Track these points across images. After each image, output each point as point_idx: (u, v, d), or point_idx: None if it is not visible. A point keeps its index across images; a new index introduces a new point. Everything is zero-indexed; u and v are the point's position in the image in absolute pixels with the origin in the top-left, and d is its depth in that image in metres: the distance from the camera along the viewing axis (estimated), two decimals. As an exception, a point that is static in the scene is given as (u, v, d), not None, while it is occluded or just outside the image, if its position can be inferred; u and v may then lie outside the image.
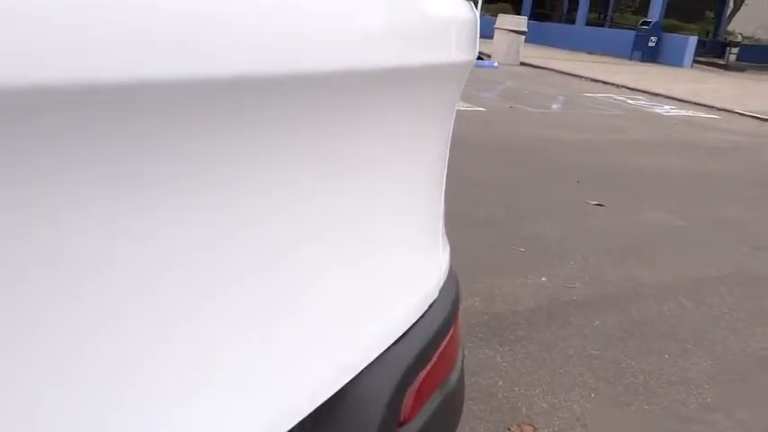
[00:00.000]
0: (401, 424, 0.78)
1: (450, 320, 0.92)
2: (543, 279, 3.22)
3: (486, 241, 3.64)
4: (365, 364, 0.74)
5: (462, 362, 1.00)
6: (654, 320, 2.91)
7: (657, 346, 2.67)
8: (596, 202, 4.61)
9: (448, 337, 0.90)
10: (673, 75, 16.64)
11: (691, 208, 4.81)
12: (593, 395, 2.29)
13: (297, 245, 0.65)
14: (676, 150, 7.11)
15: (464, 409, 2.17)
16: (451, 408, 0.92)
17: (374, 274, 0.78)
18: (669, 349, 2.66)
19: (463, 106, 8.08)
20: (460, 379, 0.95)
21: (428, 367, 0.84)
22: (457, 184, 4.73)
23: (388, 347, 0.77)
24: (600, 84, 13.23)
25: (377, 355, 0.75)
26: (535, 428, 2.10)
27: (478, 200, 4.33)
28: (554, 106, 9.48)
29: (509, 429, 2.08)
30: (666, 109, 10.73)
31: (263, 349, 0.62)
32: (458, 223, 3.79)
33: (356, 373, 0.73)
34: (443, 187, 0.97)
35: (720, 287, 3.37)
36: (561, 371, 2.43)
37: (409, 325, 0.82)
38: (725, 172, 6.29)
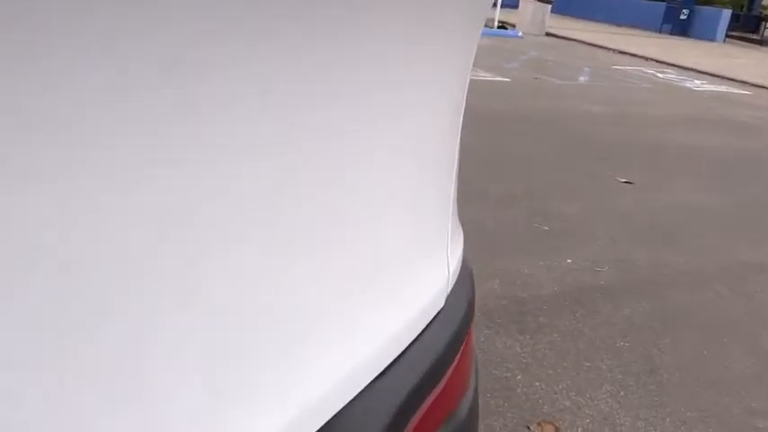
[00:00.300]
0: None
1: (459, 337, 0.69)
2: (568, 261, 2.99)
3: (507, 219, 3.40)
4: (336, 407, 0.52)
5: (476, 382, 0.78)
6: (689, 310, 2.67)
7: (694, 341, 2.44)
8: (625, 180, 4.34)
9: (456, 359, 0.67)
10: (704, 49, 16.07)
11: (725, 187, 4.51)
12: (622, 393, 2.07)
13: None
14: (708, 126, 6.76)
15: (481, 403, 1.97)
16: None
17: (352, 279, 0.55)
18: (707, 344, 2.42)
19: (487, 76, 7.77)
20: (473, 407, 0.73)
21: (429, 401, 0.62)
22: (477, 157, 4.49)
23: (373, 381, 0.56)
24: (628, 56, 12.76)
25: (353, 393, 0.54)
26: (557, 428, 1.89)
27: (499, 174, 4.07)
28: (581, 78, 9.11)
29: (528, 428, 1.88)
30: (697, 84, 10.30)
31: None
32: (476, 199, 3.55)
33: (322, 420, 0.51)
34: (456, 162, 0.73)
35: (761, 275, 3.11)
36: (587, 364, 2.21)
37: (402, 348, 0.60)
38: (759, 150, 5.96)
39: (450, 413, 0.68)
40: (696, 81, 10.60)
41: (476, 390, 0.77)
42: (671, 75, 10.97)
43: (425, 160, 0.64)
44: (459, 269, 0.76)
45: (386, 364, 0.57)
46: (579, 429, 1.90)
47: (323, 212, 0.52)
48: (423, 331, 0.65)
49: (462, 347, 0.72)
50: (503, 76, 7.98)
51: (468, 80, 0.73)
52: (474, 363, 0.79)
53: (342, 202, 0.54)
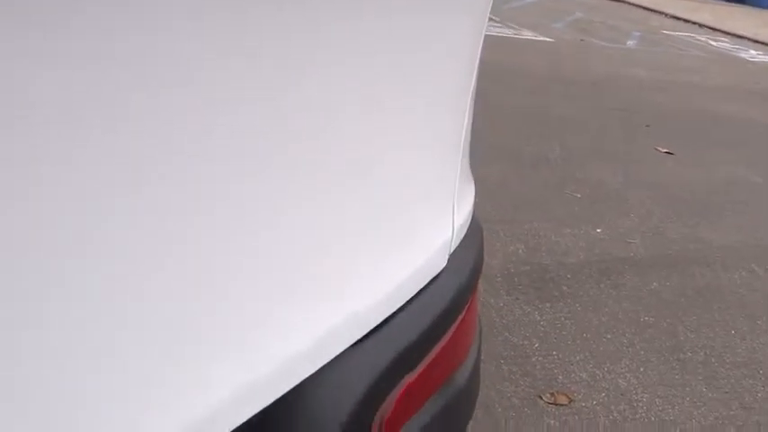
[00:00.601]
0: None
1: (462, 300, 0.63)
2: (598, 231, 2.89)
3: (537, 182, 3.30)
4: (318, 362, 0.47)
5: (478, 351, 0.72)
6: (720, 289, 2.56)
7: (723, 319, 2.34)
8: (666, 150, 4.17)
9: (456, 324, 0.62)
10: (761, 18, 15.29)
11: (772, 164, 4.31)
12: (642, 369, 2.00)
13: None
14: (760, 100, 6.45)
15: (493, 369, 1.93)
16: (454, 418, 0.65)
17: (344, 227, 0.50)
18: (736, 324, 2.33)
19: (529, 35, 7.52)
20: (472, 377, 0.68)
21: (422, 364, 0.56)
22: (513, 118, 4.36)
23: (360, 340, 0.50)
24: (681, 22, 12.22)
25: (338, 351, 0.49)
26: (571, 400, 1.84)
27: (533, 135, 3.95)
28: (629, 42, 8.76)
29: (540, 397, 1.83)
30: (752, 54, 9.82)
31: None
32: (508, 160, 3.45)
33: (302, 375, 0.46)
34: (469, 107, 0.66)
35: (801, 257, 2.97)
36: (608, 336, 2.14)
37: (397, 305, 0.54)
38: (814, 128, 5.67)
39: (446, 380, 0.63)
40: (751, 51, 10.11)
41: (477, 359, 0.72)
42: (724, 43, 10.48)
43: (432, 97, 0.57)
44: (467, 223, 0.69)
45: (378, 321, 0.52)
46: (594, 402, 1.85)
47: (310, 146, 0.46)
48: (422, 290, 0.59)
49: (463, 312, 0.66)
50: (546, 36, 7.70)
51: (486, 17, 0.65)
52: (477, 330, 0.73)
53: (336, 138, 0.48)
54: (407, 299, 0.57)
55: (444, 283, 0.61)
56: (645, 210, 3.19)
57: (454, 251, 0.64)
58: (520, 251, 2.58)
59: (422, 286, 0.58)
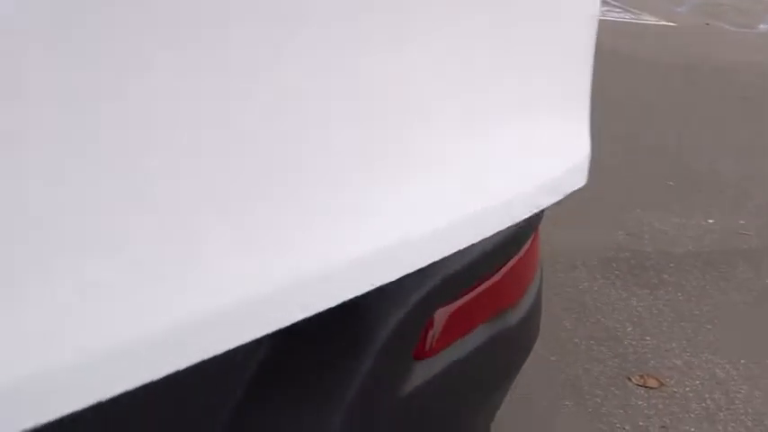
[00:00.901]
0: (418, 356, 0.60)
1: (521, 238, 0.69)
2: (710, 221, 2.78)
3: (650, 169, 3.20)
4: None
5: (537, 299, 0.78)
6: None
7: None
8: (795, 142, 3.88)
9: (514, 260, 0.68)
10: None
11: None
12: (743, 361, 1.93)
13: None
14: None
15: (582, 348, 1.94)
16: (500, 353, 0.71)
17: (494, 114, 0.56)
18: None
19: (651, 20, 7.18)
20: (526, 321, 0.73)
21: (478, 289, 0.63)
22: (630, 103, 4.22)
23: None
24: (830, 5, 11.11)
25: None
26: (662, 384, 1.82)
27: (651, 122, 3.81)
28: (761, 26, 8.12)
29: (629, 379, 1.83)
30: None
31: None
32: (620, 146, 3.37)
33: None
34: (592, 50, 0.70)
35: None
36: (708, 327, 2.08)
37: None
38: None
39: (498, 313, 0.69)
40: None
41: (533, 306, 0.78)
42: None
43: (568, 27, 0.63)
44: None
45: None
46: (686, 389, 1.82)
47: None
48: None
49: (522, 250, 0.72)
50: (669, 21, 7.32)
51: None
52: (535, 277, 0.79)
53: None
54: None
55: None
56: (764, 202, 3.02)
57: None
58: (620, 238, 2.54)
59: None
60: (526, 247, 0.72)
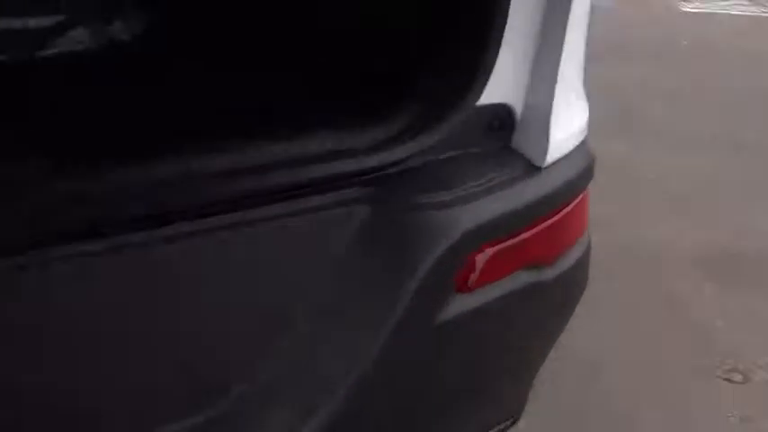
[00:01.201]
0: (459, 288, 0.74)
1: (573, 189, 0.82)
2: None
3: (754, 170, 3.10)
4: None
5: (580, 260, 0.90)
6: None
7: None
8: None
9: (566, 210, 0.81)
10: None
11: None
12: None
13: None
14: None
15: (668, 339, 1.97)
16: (536, 308, 0.84)
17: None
18: None
19: (747, 11, 6.72)
20: (566, 280, 0.86)
21: (518, 237, 0.77)
22: (737, 103, 4.03)
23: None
24: None
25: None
26: (748, 379, 1.83)
27: (749, 121, 3.64)
28: None
29: (715, 372, 1.85)
30: None
31: None
32: (724, 145, 3.28)
33: None
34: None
35: None
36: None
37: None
38: None
39: (537, 262, 0.82)
40: None
41: (574, 269, 0.90)
42: None
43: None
44: (584, 134, 0.90)
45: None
46: (773, 385, 1.82)
47: None
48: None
49: (572, 204, 0.85)
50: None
51: None
52: (579, 240, 0.90)
53: None
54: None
55: (572, 160, 0.83)
56: None
57: (571, 151, 0.86)
58: (716, 236, 2.52)
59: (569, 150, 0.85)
60: (568, 209, 0.85)
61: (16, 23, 1.19)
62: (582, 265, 0.92)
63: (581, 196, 0.87)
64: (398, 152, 0.76)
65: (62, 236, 0.62)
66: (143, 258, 0.65)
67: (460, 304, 0.75)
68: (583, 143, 0.90)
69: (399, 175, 0.76)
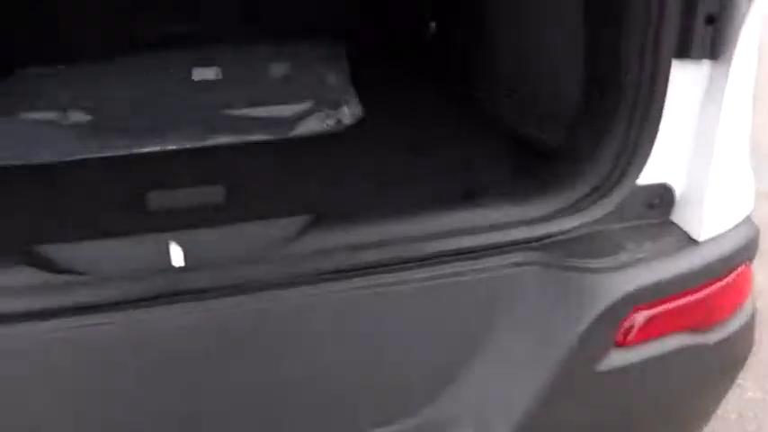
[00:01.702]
0: (618, 342, 0.85)
1: (730, 263, 0.91)
2: None
3: None
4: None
5: (744, 328, 0.95)
6: None
7: None
8: None
9: (722, 282, 0.89)
10: None
11: None
12: None
13: None
14: None
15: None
16: (694, 368, 0.91)
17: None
18: None
19: None
20: (727, 346, 0.92)
21: (675, 301, 0.87)
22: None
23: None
24: None
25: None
26: None
27: None
28: None
29: None
30: None
31: None
32: None
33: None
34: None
35: None
36: None
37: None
38: None
39: (692, 327, 0.91)
40: None
41: (736, 337, 0.95)
42: None
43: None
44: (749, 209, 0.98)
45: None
46: None
47: None
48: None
49: (734, 274, 0.93)
50: None
51: None
52: (741, 308, 0.96)
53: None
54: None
55: (740, 230, 0.94)
56: None
57: (733, 225, 0.94)
58: None
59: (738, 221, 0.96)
60: (723, 282, 0.93)
61: (274, 111, 1.56)
62: (743, 332, 0.97)
63: (740, 269, 0.94)
64: (568, 222, 0.92)
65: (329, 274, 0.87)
66: (375, 300, 0.88)
67: (620, 357, 0.87)
68: (746, 217, 0.97)
69: (567, 242, 0.92)
